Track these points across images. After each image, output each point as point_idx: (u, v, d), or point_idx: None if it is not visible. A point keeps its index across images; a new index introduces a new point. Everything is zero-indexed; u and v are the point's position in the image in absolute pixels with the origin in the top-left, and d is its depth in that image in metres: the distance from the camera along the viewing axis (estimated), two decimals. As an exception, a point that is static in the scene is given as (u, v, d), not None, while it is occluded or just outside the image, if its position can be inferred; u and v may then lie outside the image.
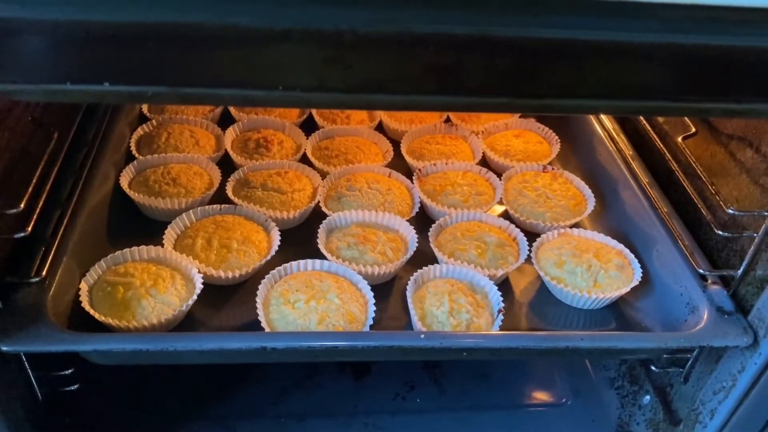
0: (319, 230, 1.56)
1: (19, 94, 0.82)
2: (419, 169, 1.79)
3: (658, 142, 1.70)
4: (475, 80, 0.89)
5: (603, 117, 1.94)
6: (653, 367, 1.54)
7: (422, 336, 1.24)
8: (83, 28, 0.80)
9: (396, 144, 1.91)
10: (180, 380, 1.66)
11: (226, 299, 1.47)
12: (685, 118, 1.64)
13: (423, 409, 1.72)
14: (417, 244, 1.55)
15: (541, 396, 1.79)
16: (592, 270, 1.50)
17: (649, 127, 1.77)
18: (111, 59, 0.82)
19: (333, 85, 0.86)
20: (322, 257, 1.51)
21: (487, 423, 1.70)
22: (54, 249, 1.32)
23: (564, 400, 1.77)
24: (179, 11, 0.81)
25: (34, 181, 1.27)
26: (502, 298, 1.42)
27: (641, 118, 1.81)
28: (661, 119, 1.78)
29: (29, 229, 1.24)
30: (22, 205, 1.20)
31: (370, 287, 1.43)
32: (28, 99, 0.88)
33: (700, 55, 0.90)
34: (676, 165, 1.61)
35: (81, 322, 1.30)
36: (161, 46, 0.82)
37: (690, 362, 1.47)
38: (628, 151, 1.81)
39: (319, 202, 1.66)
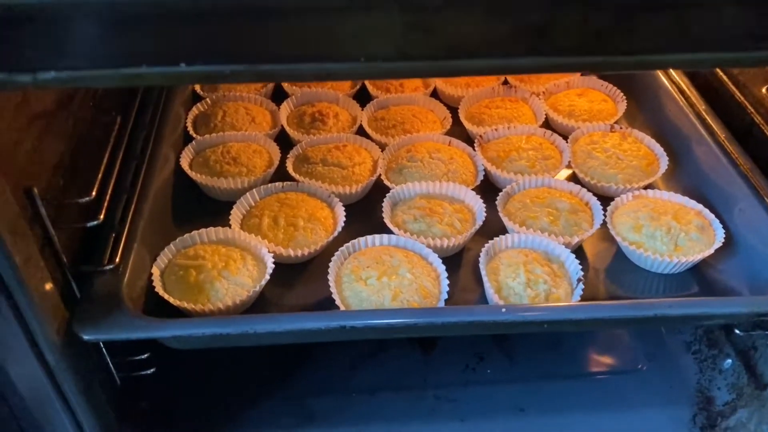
0: (383, 204, 1.52)
1: (96, 81, 0.79)
2: (480, 136, 1.73)
3: (737, 93, 1.60)
4: (568, 39, 0.82)
5: (671, 70, 1.84)
6: (737, 331, 1.47)
7: (503, 310, 1.20)
8: (157, 7, 0.76)
9: (453, 110, 1.84)
10: (251, 360, 1.66)
11: (295, 277, 1.45)
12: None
13: (494, 380, 1.68)
14: (485, 215, 1.50)
15: (614, 362, 1.73)
16: (672, 233, 1.44)
17: (724, 78, 1.67)
18: (186, 39, 0.79)
19: (417, 53, 0.81)
20: (388, 231, 1.47)
21: (559, 392, 1.66)
22: (125, 235, 1.31)
23: (639, 366, 1.71)
24: (254, -16, 0.76)
25: (102, 168, 1.26)
26: (581, 267, 1.36)
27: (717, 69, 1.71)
28: (736, 69, 1.68)
29: (101, 216, 1.23)
30: (93, 193, 1.19)
31: (440, 260, 1.40)
32: (105, 85, 0.85)
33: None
34: (758, 117, 1.51)
35: (155, 306, 1.30)
36: (237, 21, 0.78)
37: (778, 325, 1.40)
38: (701, 104, 1.72)
39: (380, 174, 1.62)
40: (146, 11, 0.75)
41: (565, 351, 1.75)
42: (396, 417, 1.59)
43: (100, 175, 1.24)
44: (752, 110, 1.54)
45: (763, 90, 1.51)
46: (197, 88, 1.88)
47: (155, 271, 1.33)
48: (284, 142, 1.73)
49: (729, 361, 1.60)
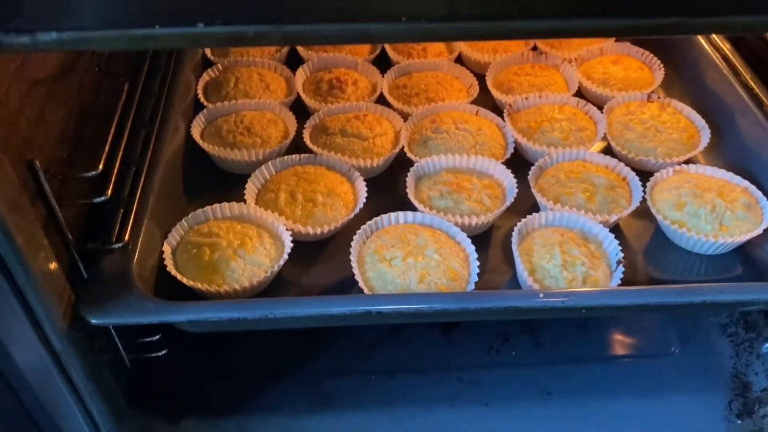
0: (407, 178, 1.43)
1: (103, 43, 0.69)
2: (510, 105, 1.63)
3: (788, 61, 1.49)
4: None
5: (713, 35, 1.72)
6: (779, 314, 1.39)
7: (541, 295, 1.12)
8: (170, -42, 0.66)
9: (480, 77, 1.74)
10: (267, 340, 1.59)
11: (315, 256, 1.37)
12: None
13: (519, 362, 1.61)
14: (516, 191, 1.41)
15: (645, 345, 1.65)
16: (717, 211, 1.34)
17: (774, 45, 1.56)
18: (204, -5, 0.69)
19: (466, 11, 0.72)
20: (412, 208, 1.39)
21: (587, 376, 1.59)
22: (134, 211, 1.23)
23: (672, 349, 1.63)
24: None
25: (109, 139, 1.17)
26: (620, 247, 1.28)
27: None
28: (785, 36, 1.57)
29: (109, 192, 1.14)
30: (100, 167, 1.10)
31: (469, 240, 1.31)
32: (113, 48, 0.76)
33: None
34: (813, 88, 1.41)
35: (166, 286, 1.23)
36: (261, -26, 0.68)
37: (826, 309, 1.32)
38: (746, 73, 1.61)
39: (403, 147, 1.53)
40: (158, -38, 0.66)
41: (593, 333, 1.67)
42: (417, 400, 1.52)
43: (107, 148, 1.15)
44: (806, 79, 1.44)
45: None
46: (208, 52, 1.78)
47: (166, 249, 1.25)
48: (300, 110, 1.64)
49: (767, 344, 1.52)
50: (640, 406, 1.53)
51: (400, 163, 1.52)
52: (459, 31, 0.74)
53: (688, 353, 1.63)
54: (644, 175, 1.46)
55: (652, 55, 1.79)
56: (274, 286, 1.30)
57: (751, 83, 1.56)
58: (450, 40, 1.81)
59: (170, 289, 1.22)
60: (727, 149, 1.56)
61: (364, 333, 1.64)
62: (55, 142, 1.09)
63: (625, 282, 1.28)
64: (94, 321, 1.07)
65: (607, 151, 1.58)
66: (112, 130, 1.19)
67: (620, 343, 1.67)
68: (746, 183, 1.42)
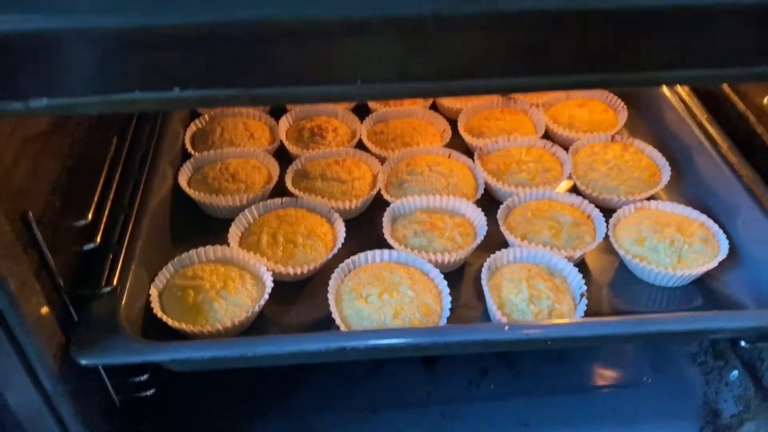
0: (383, 218, 1.51)
1: (89, 107, 0.77)
2: (480, 148, 1.72)
3: (739, 103, 1.59)
4: (568, 58, 0.81)
5: (671, 80, 1.83)
6: (742, 343, 1.45)
7: (506, 328, 1.19)
8: (149, 33, 0.75)
9: (453, 123, 1.83)
10: (252, 378, 1.64)
11: (295, 296, 1.43)
12: (769, 77, 1.52)
13: (498, 395, 1.66)
14: (486, 229, 1.48)
15: (619, 376, 1.71)
16: (676, 245, 1.42)
17: (727, 89, 1.65)
18: (179, 63, 0.78)
19: (416, 74, 0.80)
20: (388, 246, 1.46)
21: (564, 406, 1.64)
22: (122, 256, 1.30)
23: (644, 378, 1.69)
24: (248, 8, 0.75)
25: (98, 189, 1.25)
26: (584, 281, 1.35)
27: (717, 78, 1.69)
28: (737, 79, 1.67)
29: (98, 239, 1.21)
30: (89, 216, 1.18)
31: (442, 276, 1.38)
32: (98, 112, 0.84)
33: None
34: (761, 128, 1.50)
35: (153, 327, 1.28)
36: (231, 46, 0.77)
37: (784, 336, 1.38)
38: (702, 114, 1.70)
39: (380, 189, 1.61)
40: (138, 37, 0.74)
41: (569, 364, 1.73)
42: (400, 435, 1.57)
43: (96, 198, 1.23)
44: (754, 120, 1.53)
45: (765, 100, 1.49)
46: (195, 103, 1.87)
47: (153, 292, 1.31)
48: (284, 157, 1.72)
49: (735, 372, 1.58)
50: (616, 434, 1.59)
51: (378, 205, 1.59)
52: (410, 91, 0.82)
53: (660, 382, 1.68)
54: (609, 212, 1.54)
55: (616, 98, 1.89)
56: (257, 326, 1.36)
57: (706, 124, 1.66)
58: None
59: (157, 331, 1.27)
60: (687, 186, 1.65)
61: (346, 369, 1.70)
62: (47, 193, 1.16)
63: (591, 314, 1.34)
64: (83, 362, 1.12)
65: (574, 190, 1.66)
66: (101, 181, 1.26)
67: (595, 373, 1.72)
68: (704, 217, 1.50)
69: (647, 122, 1.85)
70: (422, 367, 1.72)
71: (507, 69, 0.81)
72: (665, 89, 1.81)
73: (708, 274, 1.45)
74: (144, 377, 1.35)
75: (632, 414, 1.63)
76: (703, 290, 1.44)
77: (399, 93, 0.82)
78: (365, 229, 1.56)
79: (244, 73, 0.79)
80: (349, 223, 1.53)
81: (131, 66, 0.77)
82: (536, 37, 0.79)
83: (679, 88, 1.80)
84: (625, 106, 1.86)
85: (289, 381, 1.66)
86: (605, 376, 1.72)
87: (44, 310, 1.09)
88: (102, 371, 1.28)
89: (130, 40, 0.75)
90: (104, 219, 1.26)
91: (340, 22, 0.76)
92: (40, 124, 1.15)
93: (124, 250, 1.31)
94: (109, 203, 1.30)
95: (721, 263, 1.42)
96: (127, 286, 1.26)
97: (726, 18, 0.82)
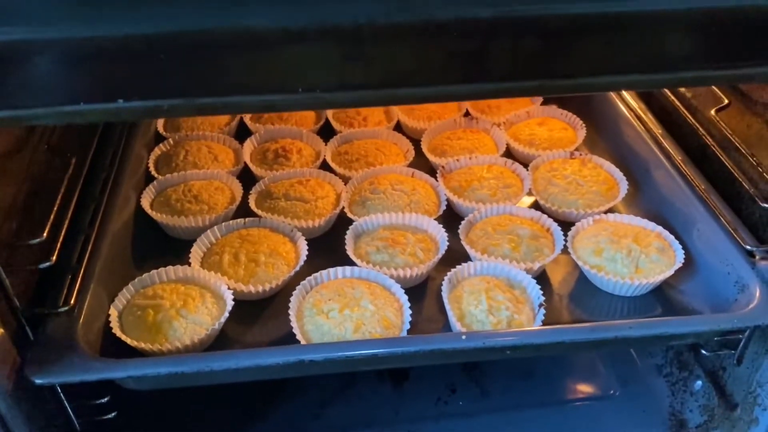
0: (346, 236, 1.52)
1: (34, 119, 0.79)
2: (443, 166, 1.75)
3: (690, 117, 1.64)
4: (502, 65, 0.85)
5: (627, 96, 1.88)
6: (704, 351, 1.47)
7: (463, 337, 1.20)
8: (92, 45, 0.77)
9: (416, 143, 1.86)
10: (218, 399, 1.63)
11: (258, 314, 1.43)
12: (717, 90, 1.57)
13: (467, 412, 1.67)
14: (447, 243, 1.50)
15: (587, 389, 1.73)
16: (633, 255, 1.45)
17: (678, 103, 1.71)
18: (123, 75, 0.80)
19: (354, 82, 0.83)
20: (352, 264, 1.47)
21: (533, 421, 1.65)
22: (80, 276, 1.29)
23: (611, 391, 1.70)
24: (188, 19, 0.78)
25: (55, 208, 1.25)
26: (542, 292, 1.37)
27: (669, 94, 1.75)
28: (689, 93, 1.72)
29: (54, 258, 1.22)
30: (44, 234, 1.18)
31: (403, 290, 1.39)
32: (43, 123, 0.85)
33: (738, 17, 0.85)
34: (710, 139, 1.55)
35: (114, 348, 1.28)
36: (173, 57, 0.79)
37: (743, 343, 1.40)
38: (657, 129, 1.75)
39: (343, 207, 1.63)
40: (81, 48, 0.76)
41: (537, 379, 1.74)
42: (367, 454, 1.56)
43: (52, 216, 1.23)
44: (704, 133, 1.58)
45: (712, 112, 1.54)
46: (160, 128, 1.88)
47: (113, 313, 1.31)
48: (248, 179, 1.73)
49: (699, 382, 1.60)
50: (584, 447, 1.59)
51: (342, 224, 1.60)
52: (350, 99, 0.85)
53: (627, 394, 1.70)
54: (569, 225, 1.57)
55: (575, 116, 1.94)
56: (219, 345, 1.35)
57: (661, 138, 1.70)
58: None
59: (118, 352, 1.26)
60: (644, 199, 1.68)
61: (317, 388, 1.69)
62: (3, 214, 1.16)
63: (550, 324, 1.36)
64: (38, 381, 1.11)
65: (535, 205, 1.69)
66: (58, 200, 1.27)
67: (564, 387, 1.73)
68: (660, 229, 1.53)
69: (605, 139, 1.90)
70: (391, 387, 1.72)
71: (443, 77, 0.84)
72: (622, 107, 1.86)
73: (666, 284, 1.48)
74: (105, 399, 1.33)
75: (601, 426, 1.64)
76: (662, 299, 1.47)
77: (339, 101, 0.84)
78: (329, 247, 1.57)
79: (187, 83, 0.81)
80: (313, 243, 1.54)
81: (76, 78, 0.79)
82: (471, 45, 0.82)
83: (635, 104, 1.85)
84: (584, 124, 1.90)
85: (256, 403, 1.65)
86: (573, 390, 1.73)
87: (-2, 330, 1.08)
88: (61, 393, 1.26)
89: (73, 51, 0.77)
90: (61, 238, 1.26)
91: (279, 31, 0.78)
92: (-2, 145, 1.16)
93: (82, 270, 1.30)
94: (66, 222, 1.30)
95: (678, 273, 1.45)
96: (86, 305, 1.25)
97: (654, 25, 0.85)
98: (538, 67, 0.85)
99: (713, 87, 1.58)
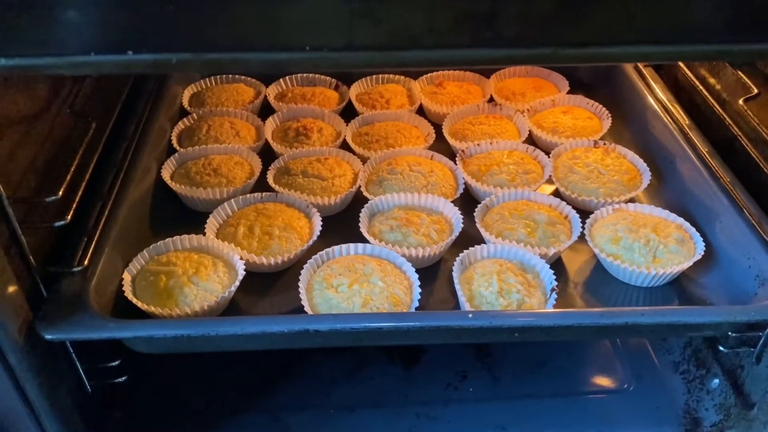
0: (361, 214, 1.52)
1: (45, 69, 0.80)
2: (463, 150, 1.73)
3: (718, 108, 1.60)
4: (513, 29, 0.83)
5: (656, 88, 1.84)
6: (721, 348, 1.43)
7: (470, 315, 1.19)
8: (105, -4, 0.78)
9: (438, 128, 1.85)
10: (229, 373, 1.65)
11: (269, 286, 1.44)
12: (746, 80, 1.53)
13: (476, 398, 1.65)
14: (462, 225, 1.49)
15: (601, 382, 1.69)
16: (651, 245, 1.41)
17: (706, 93, 1.66)
18: (133, 27, 0.80)
19: (362, 42, 0.82)
20: (365, 242, 1.46)
21: (544, 412, 1.62)
22: (96, 239, 1.31)
23: (626, 385, 1.67)
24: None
25: (72, 169, 1.27)
26: (555, 277, 1.34)
27: (698, 84, 1.70)
28: (718, 86, 1.67)
29: (68, 217, 1.24)
30: (60, 193, 1.20)
31: (414, 270, 1.38)
32: (54, 72, 0.87)
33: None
34: (738, 130, 1.50)
35: (125, 312, 1.30)
36: (183, 10, 0.79)
37: (762, 341, 1.36)
38: (685, 121, 1.71)
39: (360, 186, 1.63)
40: (92, -2, 0.77)
41: (550, 369, 1.72)
42: (375, 434, 1.56)
43: (68, 176, 1.25)
44: (731, 123, 1.53)
45: (740, 102, 1.50)
46: (185, 103, 1.91)
47: (126, 277, 1.33)
48: (269, 156, 1.74)
49: (716, 380, 1.56)
50: (594, 441, 1.56)
51: (359, 203, 1.60)
52: (357, 60, 0.84)
53: (641, 390, 1.66)
54: (587, 214, 1.54)
55: (601, 106, 1.90)
56: (229, 314, 1.36)
57: (688, 130, 1.66)
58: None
59: (130, 316, 1.28)
60: (668, 191, 1.65)
61: (327, 368, 1.69)
62: (23, 172, 1.19)
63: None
64: (47, 336, 1.13)
65: (555, 193, 1.67)
66: (75, 162, 1.29)
67: (576, 379, 1.71)
68: (681, 220, 1.49)
69: (631, 130, 1.86)
70: (401, 369, 1.71)
71: (453, 40, 0.83)
72: (650, 98, 1.82)
73: (685, 276, 1.44)
74: (116, 363, 1.35)
75: (613, 420, 1.61)
76: (679, 291, 1.43)
77: (346, 62, 0.83)
78: (344, 225, 1.57)
79: (195, 38, 0.82)
80: (328, 220, 1.54)
81: (87, 28, 0.80)
82: (482, 6, 0.81)
83: (662, 96, 1.81)
84: (610, 115, 1.87)
85: (266, 378, 1.66)
86: (587, 382, 1.70)
87: (12, 286, 1.10)
88: (72, 353, 1.28)
89: (85, 1, 0.78)
90: (77, 199, 1.28)
91: (288, -13, 0.78)
92: (18, 105, 1.18)
93: (98, 234, 1.33)
94: (83, 185, 1.32)
95: (697, 265, 1.42)
96: (99, 267, 1.27)
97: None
98: (550, 33, 0.84)
99: (742, 75, 1.53)
